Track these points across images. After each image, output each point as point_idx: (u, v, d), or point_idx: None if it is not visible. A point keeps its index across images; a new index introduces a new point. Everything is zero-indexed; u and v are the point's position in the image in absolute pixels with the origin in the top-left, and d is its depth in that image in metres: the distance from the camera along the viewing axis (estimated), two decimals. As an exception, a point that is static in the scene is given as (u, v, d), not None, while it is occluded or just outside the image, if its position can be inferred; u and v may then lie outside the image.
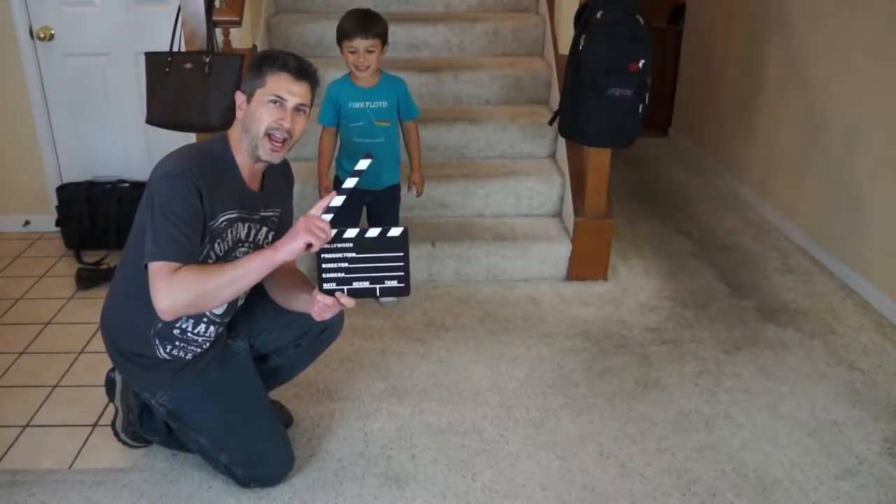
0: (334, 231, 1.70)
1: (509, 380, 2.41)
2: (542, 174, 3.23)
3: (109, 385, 2.03)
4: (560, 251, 3.04)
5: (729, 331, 2.71)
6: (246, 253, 1.84)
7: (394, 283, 1.76)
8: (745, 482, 1.98)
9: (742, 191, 4.06)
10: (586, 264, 3.05)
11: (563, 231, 3.12)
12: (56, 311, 2.84)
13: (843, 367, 2.50)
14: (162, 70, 2.59)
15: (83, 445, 2.10)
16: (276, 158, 1.77)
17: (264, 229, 1.90)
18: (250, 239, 1.86)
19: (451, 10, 3.93)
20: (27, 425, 2.19)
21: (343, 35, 2.53)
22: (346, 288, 1.74)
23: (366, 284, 1.75)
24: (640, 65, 2.57)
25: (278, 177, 1.94)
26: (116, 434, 2.06)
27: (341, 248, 1.73)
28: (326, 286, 1.74)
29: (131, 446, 2.07)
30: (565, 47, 2.99)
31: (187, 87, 2.58)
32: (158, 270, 1.62)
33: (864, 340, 2.66)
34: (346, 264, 1.74)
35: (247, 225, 1.84)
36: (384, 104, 2.60)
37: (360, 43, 2.49)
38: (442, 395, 2.32)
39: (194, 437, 1.89)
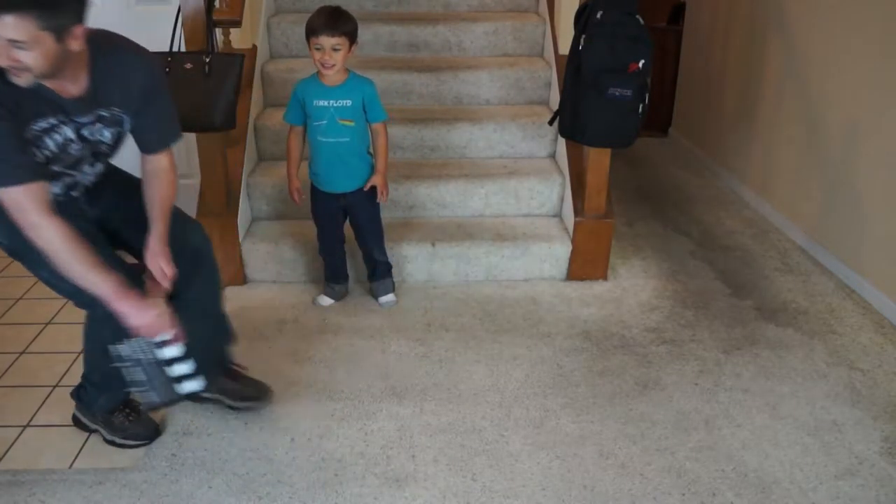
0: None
1: (509, 380, 2.41)
2: (542, 174, 3.23)
3: (77, 422, 2.13)
4: (560, 251, 3.04)
5: (729, 331, 2.72)
6: (80, 151, 1.85)
7: (151, 396, 1.88)
8: (745, 482, 1.98)
9: (742, 191, 4.06)
10: (586, 264, 3.05)
11: (563, 231, 3.12)
12: (56, 311, 2.84)
13: (843, 367, 2.50)
14: (162, 70, 2.59)
15: (83, 445, 2.11)
16: (23, 81, 1.71)
17: (99, 125, 1.87)
18: (84, 139, 1.85)
19: (451, 10, 3.93)
20: (27, 425, 2.20)
21: (310, 31, 2.49)
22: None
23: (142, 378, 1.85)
24: (640, 65, 2.57)
25: (120, 77, 1.87)
26: (113, 443, 2.09)
27: (146, 352, 1.83)
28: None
29: (132, 446, 2.07)
30: (565, 47, 2.99)
31: (187, 87, 2.58)
32: (13, 197, 1.67)
33: (864, 340, 2.66)
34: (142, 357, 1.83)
35: (74, 126, 1.82)
36: (348, 103, 2.56)
37: (326, 40, 2.45)
38: (442, 395, 2.32)
39: (37, 271, 1.91)
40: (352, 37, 2.50)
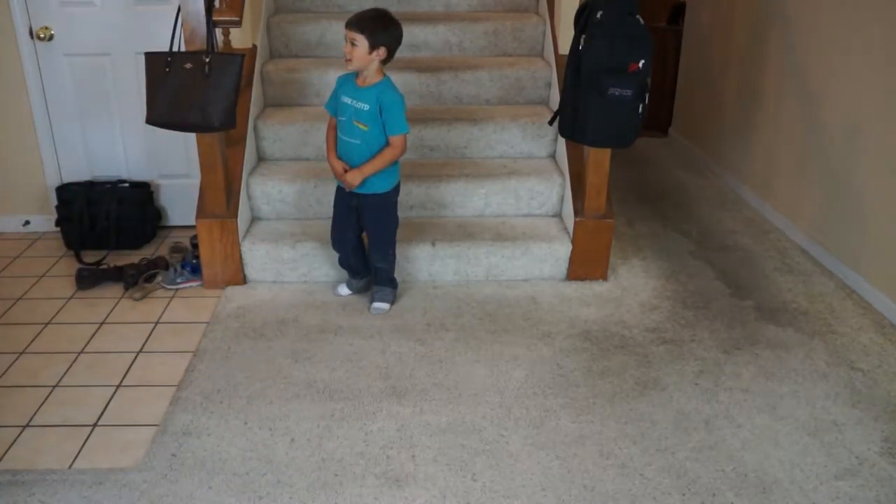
0: None
1: (509, 380, 2.41)
2: (542, 174, 3.23)
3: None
4: (560, 251, 3.04)
5: (729, 331, 2.72)
6: None
7: None
8: (745, 482, 1.98)
9: (742, 191, 4.06)
10: (586, 264, 3.05)
11: (563, 231, 3.12)
12: (56, 311, 2.84)
13: (843, 367, 2.50)
14: (162, 70, 2.59)
15: (83, 445, 2.11)
16: None
17: None
18: None
19: (451, 10, 3.93)
20: (27, 425, 2.20)
21: None
22: None
23: None
24: (640, 65, 2.57)
25: None
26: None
27: None
28: None
29: None
30: (565, 47, 2.99)
31: (187, 87, 2.58)
32: None
33: (864, 340, 2.66)
34: None
35: None
36: (365, 107, 2.56)
37: (346, 32, 2.51)
38: (442, 395, 2.32)
39: None
40: (371, 36, 2.48)
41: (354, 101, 2.58)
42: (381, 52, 2.52)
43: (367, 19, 2.50)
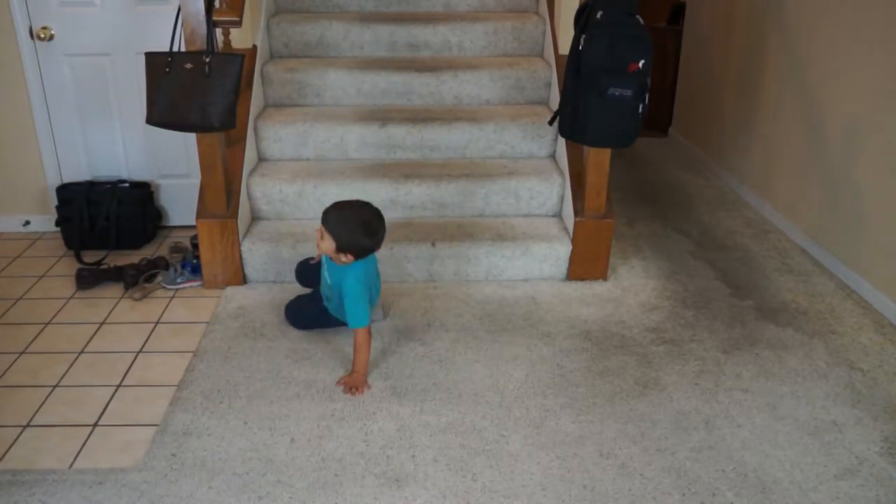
0: None
1: (509, 380, 2.41)
2: (542, 174, 3.23)
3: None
4: (560, 251, 3.04)
5: (729, 331, 2.72)
6: None
7: None
8: (745, 482, 1.98)
9: (742, 191, 4.06)
10: (586, 264, 3.05)
11: (563, 231, 3.12)
12: (56, 311, 2.84)
13: (843, 367, 2.50)
14: (162, 70, 2.59)
15: (83, 445, 2.11)
16: None
17: None
18: None
19: (451, 10, 3.93)
20: (27, 425, 2.20)
21: None
22: None
23: None
24: (640, 65, 2.57)
25: None
26: None
27: None
28: None
29: None
30: (565, 47, 2.99)
31: (187, 87, 2.58)
32: None
33: (864, 340, 2.66)
34: None
35: None
36: (329, 281, 2.52)
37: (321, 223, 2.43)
38: (442, 395, 2.32)
39: None
40: (338, 241, 2.37)
41: (327, 269, 2.54)
42: (349, 256, 2.40)
43: (340, 224, 2.38)
